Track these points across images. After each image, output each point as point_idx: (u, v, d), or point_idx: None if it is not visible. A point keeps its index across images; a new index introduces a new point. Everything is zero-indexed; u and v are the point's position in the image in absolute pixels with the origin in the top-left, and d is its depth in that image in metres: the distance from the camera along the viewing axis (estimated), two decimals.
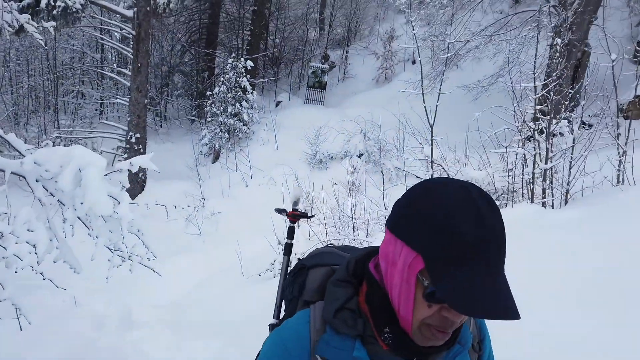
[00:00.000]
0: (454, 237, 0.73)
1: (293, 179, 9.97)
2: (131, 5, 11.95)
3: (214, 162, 12.87)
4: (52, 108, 12.62)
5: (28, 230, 1.94)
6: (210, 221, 10.35)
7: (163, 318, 6.18)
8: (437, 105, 5.30)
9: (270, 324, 1.26)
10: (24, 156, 2.10)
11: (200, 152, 12.91)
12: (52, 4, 10.36)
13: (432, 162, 5.38)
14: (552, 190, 4.79)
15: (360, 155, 11.45)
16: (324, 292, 0.99)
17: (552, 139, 4.99)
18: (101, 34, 12.98)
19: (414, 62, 16.96)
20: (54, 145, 11.34)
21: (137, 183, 11.29)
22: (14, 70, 12.86)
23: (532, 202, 4.17)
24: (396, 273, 0.82)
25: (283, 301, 1.24)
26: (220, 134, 12.61)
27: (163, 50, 15.58)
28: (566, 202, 4.68)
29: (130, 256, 2.57)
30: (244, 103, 12.85)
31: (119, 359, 4.90)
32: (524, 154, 4.57)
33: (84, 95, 14.41)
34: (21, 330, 5.78)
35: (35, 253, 1.93)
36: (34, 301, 6.42)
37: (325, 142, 11.78)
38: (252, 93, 13.06)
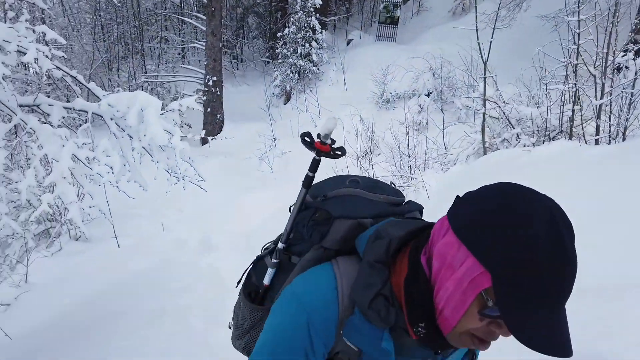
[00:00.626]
0: (535, 274, 0.70)
1: (358, 119, 10.23)
2: None
3: (285, 104, 13.42)
4: (139, 54, 13.74)
5: (107, 156, 2.55)
6: (281, 159, 11.03)
7: (237, 244, 7.00)
8: (491, 42, 5.23)
9: (277, 248, 1.20)
10: (100, 99, 2.69)
11: (273, 93, 13.48)
12: None
13: (484, 100, 5.40)
14: (606, 127, 4.70)
15: (428, 94, 11.34)
16: (346, 242, 0.99)
17: (615, 73, 4.81)
18: None
19: None
20: (142, 88, 12.44)
21: (215, 124, 12.20)
22: (105, 19, 14.04)
23: (570, 139, 4.16)
24: (452, 279, 0.78)
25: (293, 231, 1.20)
26: (290, 75, 13.03)
27: None
28: (624, 139, 4.57)
29: (183, 177, 3.15)
30: (313, 43, 13.04)
31: (195, 273, 5.80)
32: (576, 90, 4.49)
33: (167, 40, 15.39)
34: (119, 247, 6.95)
35: (113, 173, 2.55)
36: (131, 226, 7.62)
37: (393, 81, 11.77)
38: (321, 32, 13.18)
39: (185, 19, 13.58)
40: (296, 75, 13.03)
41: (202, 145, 12.10)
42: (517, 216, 0.72)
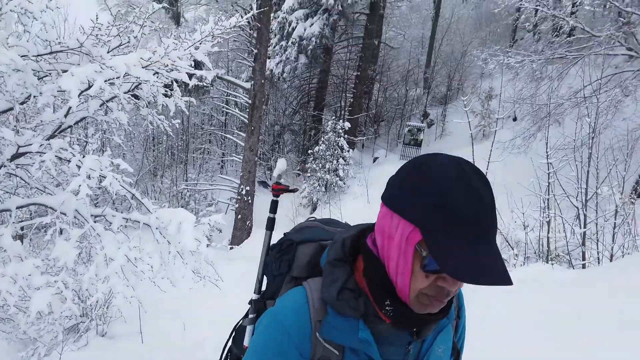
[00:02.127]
0: (451, 211, 0.77)
1: None
2: (249, 79, 14.31)
3: (311, 214, 14.33)
4: (182, 163, 15.30)
5: (149, 257, 3.30)
6: None
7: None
8: (486, 171, 6.00)
9: (252, 300, 1.27)
10: (151, 212, 3.52)
11: (300, 203, 14.50)
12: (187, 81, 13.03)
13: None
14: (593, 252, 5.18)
15: None
16: (314, 268, 1.04)
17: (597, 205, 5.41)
18: (225, 102, 15.59)
19: (514, 119, 17.18)
20: (181, 194, 13.57)
21: (244, 230, 13.11)
22: (156, 132, 15.94)
23: (547, 262, 4.68)
24: (393, 246, 0.84)
25: (264, 277, 1.26)
26: (318, 187, 14.12)
27: (276, 112, 17.88)
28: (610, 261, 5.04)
29: (204, 276, 3.83)
30: (340, 160, 14.28)
31: None
32: (548, 221, 5.09)
33: (209, 152, 17.07)
34: (142, 342, 7.46)
35: (152, 270, 3.27)
36: (154, 324, 8.17)
37: None
38: (348, 151, 14.47)
39: (227, 135, 15.24)
40: (323, 188, 14.08)
41: (230, 249, 12.90)
42: (430, 172, 0.81)
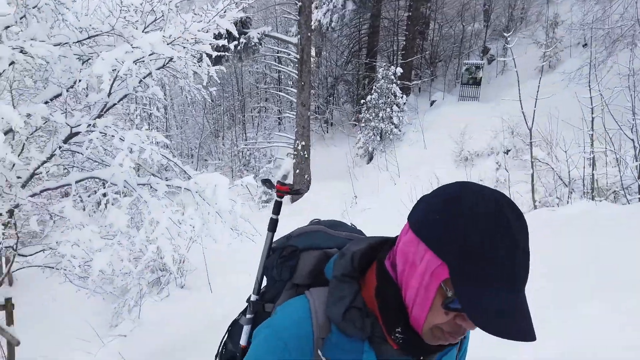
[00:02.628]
0: (486, 260, 0.73)
1: (434, 178, 10.81)
2: (296, 34, 14.27)
3: (368, 163, 14.43)
4: (241, 123, 15.85)
5: (191, 218, 3.68)
6: (362, 216, 11.86)
7: None
8: (534, 110, 5.76)
9: (250, 300, 1.24)
10: (191, 177, 3.87)
11: (357, 154, 14.61)
12: (236, 42, 13.27)
13: (532, 163, 5.85)
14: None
15: (507, 152, 11.59)
16: (316, 277, 1.00)
17: None
18: (278, 59, 15.75)
19: (584, 45, 15.85)
20: (242, 153, 14.18)
21: (303, 184, 13.53)
22: (215, 95, 16.54)
23: (592, 199, 4.52)
24: (415, 275, 0.81)
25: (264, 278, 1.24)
26: (372, 137, 14.10)
27: (328, 63, 17.77)
28: None
29: (241, 233, 4.17)
30: (394, 107, 14.08)
31: None
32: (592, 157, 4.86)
33: (267, 109, 17.48)
34: (211, 292, 8.23)
35: (194, 230, 3.66)
36: (223, 278, 8.89)
37: (471, 140, 12.25)
38: (402, 97, 14.20)
39: (281, 94, 15.48)
40: (377, 137, 14.05)
41: (292, 203, 13.43)
42: (463, 206, 0.76)
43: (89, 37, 4.00)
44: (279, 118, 17.12)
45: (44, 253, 4.16)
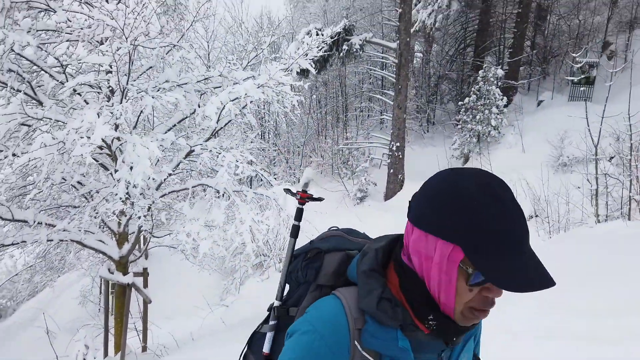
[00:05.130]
0: (487, 227, 0.81)
1: (524, 182, 10.99)
2: (396, 39, 15.07)
3: (463, 164, 14.77)
4: (342, 122, 17.12)
5: (267, 218, 5.02)
6: None
7: None
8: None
9: (274, 307, 1.27)
10: (272, 186, 5.18)
11: (452, 155, 15.03)
12: (340, 49, 14.49)
13: (596, 179, 6.14)
14: None
15: (610, 159, 11.29)
16: (338, 278, 1.08)
17: None
18: (382, 65, 16.69)
19: None
20: (341, 152, 15.49)
21: (396, 183, 14.41)
22: (321, 96, 18.01)
23: None
24: (433, 267, 0.87)
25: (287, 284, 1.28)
26: (469, 139, 14.42)
27: (431, 63, 18.25)
28: None
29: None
30: (493, 109, 14.22)
31: None
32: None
33: (369, 109, 18.53)
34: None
35: (269, 227, 4.94)
36: None
37: (572, 145, 12.04)
38: (502, 99, 14.27)
39: (382, 97, 16.42)
40: (474, 139, 14.34)
41: (385, 201, 14.40)
42: (453, 189, 0.84)
43: (205, 79, 5.46)
44: (381, 118, 18.06)
45: (170, 237, 5.79)
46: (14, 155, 4.54)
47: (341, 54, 14.61)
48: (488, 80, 14.23)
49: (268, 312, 1.29)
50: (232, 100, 4.90)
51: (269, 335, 1.25)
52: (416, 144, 17.07)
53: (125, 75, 4.69)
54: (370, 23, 17.89)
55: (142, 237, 7.00)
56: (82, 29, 4.68)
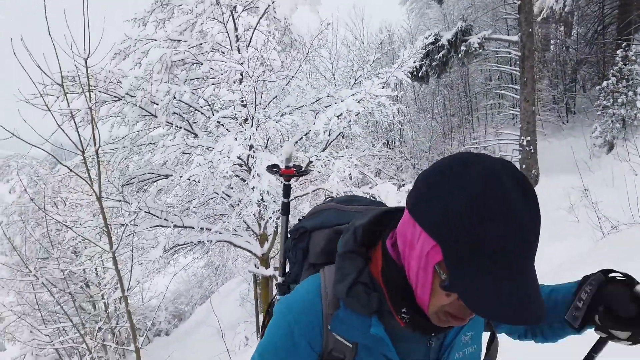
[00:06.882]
0: (477, 237, 0.70)
1: None
2: (517, 32, 14.81)
3: (607, 153, 13.75)
4: (469, 123, 17.14)
5: None
6: (590, 208, 11.76)
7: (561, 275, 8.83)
8: None
9: (277, 283, 1.30)
10: (376, 184, 6.04)
11: (594, 144, 14.09)
12: (458, 50, 14.75)
13: None
14: None
15: None
16: (330, 255, 1.03)
17: None
18: (500, 60, 16.47)
19: None
20: (468, 151, 15.78)
21: (530, 179, 14.02)
22: (445, 99, 18.27)
23: None
24: (414, 257, 0.81)
25: (287, 260, 1.28)
26: (611, 124, 13.43)
27: (564, 49, 17.34)
28: None
29: None
30: (638, 89, 13.09)
31: None
32: None
33: (500, 105, 18.23)
34: None
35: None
36: None
37: None
38: None
39: (505, 92, 16.15)
40: (617, 124, 13.33)
41: None
42: (456, 182, 0.73)
43: (316, 101, 6.60)
44: (511, 113, 17.65)
45: None
46: (180, 177, 6.14)
47: (460, 55, 14.85)
48: (630, 59, 13.17)
49: (276, 288, 1.32)
50: (337, 116, 5.92)
51: None
52: (553, 137, 16.31)
53: (253, 105, 6.04)
54: (493, 19, 17.70)
55: (278, 237, 8.42)
56: (221, 74, 6.17)
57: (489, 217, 0.69)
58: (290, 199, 1.51)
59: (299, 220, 1.24)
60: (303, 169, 1.60)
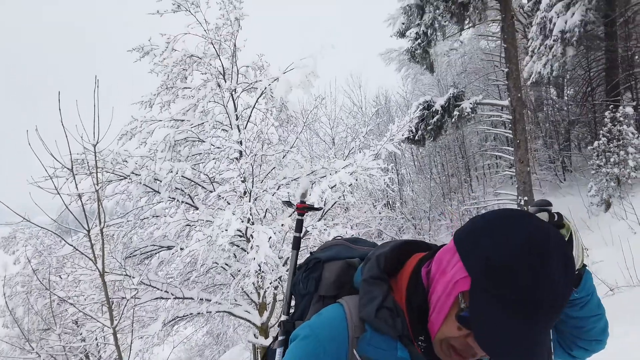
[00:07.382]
0: (507, 282, 0.76)
1: None
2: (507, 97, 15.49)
3: (605, 212, 13.93)
4: (467, 183, 17.50)
5: None
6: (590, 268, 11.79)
7: None
8: None
9: (281, 321, 1.28)
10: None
11: (591, 203, 14.30)
12: (451, 115, 15.36)
13: None
14: None
15: None
16: (341, 287, 1.09)
17: None
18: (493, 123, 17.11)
19: None
20: (469, 212, 15.79)
21: None
22: (443, 160, 18.74)
23: None
24: (442, 282, 0.87)
25: (293, 296, 1.29)
26: (606, 183, 13.71)
27: (555, 111, 17.97)
28: None
29: None
30: (629, 149, 13.48)
31: None
32: None
33: (497, 165, 18.65)
34: None
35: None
36: None
37: None
38: (637, 137, 13.51)
39: (499, 154, 16.63)
40: (612, 182, 13.62)
41: None
42: (507, 227, 0.80)
43: (312, 172, 6.94)
44: (508, 174, 18.04)
45: None
46: (181, 249, 6.37)
47: (453, 119, 15.43)
48: (617, 121, 13.67)
49: (279, 328, 1.32)
50: (331, 188, 6.23)
51: (279, 351, 1.28)
52: (552, 195, 16.55)
53: (251, 179, 6.37)
54: (485, 84, 18.52)
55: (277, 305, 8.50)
56: (222, 151, 6.57)
57: (528, 269, 0.75)
58: (301, 233, 1.56)
59: (311, 253, 1.30)
60: (316, 207, 1.71)
